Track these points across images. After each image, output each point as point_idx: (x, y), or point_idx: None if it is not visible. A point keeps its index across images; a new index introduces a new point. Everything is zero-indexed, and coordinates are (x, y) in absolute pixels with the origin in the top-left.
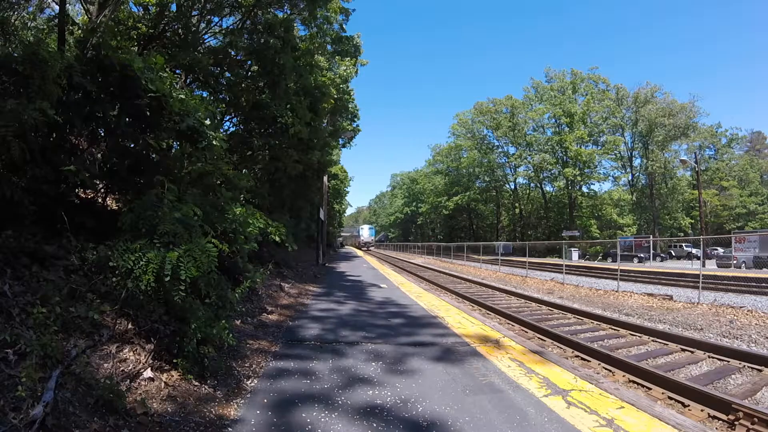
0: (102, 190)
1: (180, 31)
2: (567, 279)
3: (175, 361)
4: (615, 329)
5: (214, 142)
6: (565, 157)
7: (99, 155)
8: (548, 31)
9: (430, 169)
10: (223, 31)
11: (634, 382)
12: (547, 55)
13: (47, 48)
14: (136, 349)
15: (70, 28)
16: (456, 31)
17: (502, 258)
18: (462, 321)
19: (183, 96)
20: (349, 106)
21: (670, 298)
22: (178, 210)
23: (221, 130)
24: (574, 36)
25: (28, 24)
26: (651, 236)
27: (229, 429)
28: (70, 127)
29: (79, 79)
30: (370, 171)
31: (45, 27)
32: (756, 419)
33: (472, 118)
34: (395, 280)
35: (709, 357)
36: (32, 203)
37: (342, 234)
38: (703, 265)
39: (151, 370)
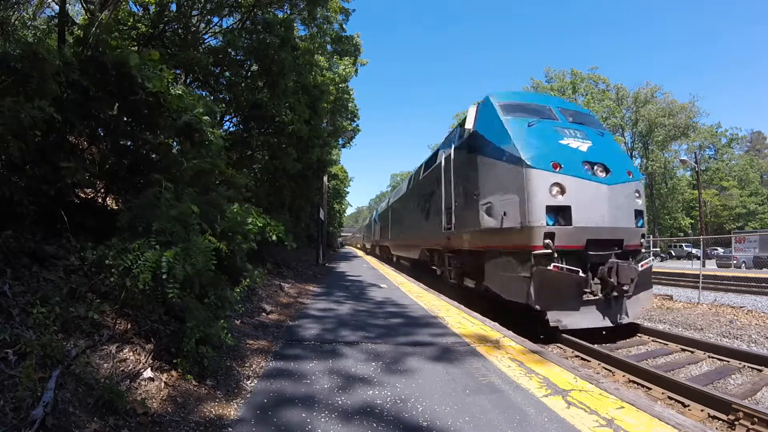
0: (101, 190)
1: (180, 31)
2: None
3: (174, 361)
4: None
5: (211, 138)
6: None
7: (98, 155)
8: (548, 31)
9: None
10: (223, 31)
11: (634, 382)
12: (547, 54)
13: (46, 47)
14: (135, 349)
15: (70, 27)
16: (456, 31)
17: None
18: (462, 321)
19: (180, 92)
20: (349, 105)
21: (670, 297)
22: (175, 208)
23: (221, 130)
24: (575, 35)
25: (28, 23)
26: (651, 236)
27: (229, 429)
28: (69, 126)
29: (78, 77)
30: (370, 171)
31: (45, 27)
32: (756, 419)
33: None
34: (395, 280)
35: (709, 357)
36: (32, 203)
37: (342, 234)
38: (703, 265)
39: (151, 370)
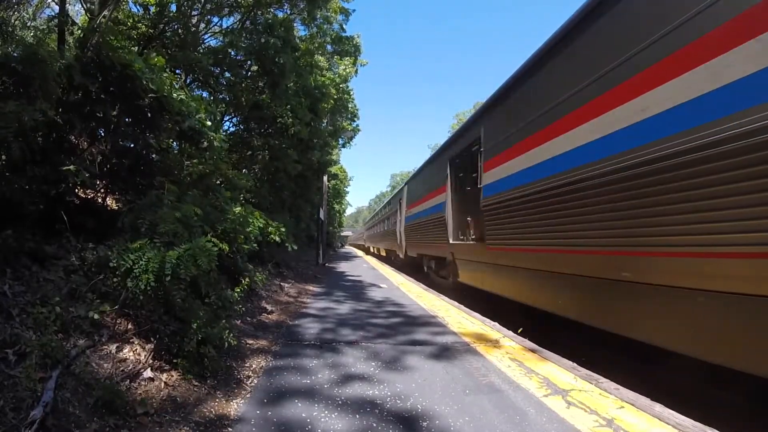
0: (102, 190)
1: (180, 31)
2: None
3: (175, 361)
4: None
5: (214, 143)
6: None
7: (99, 155)
8: (550, 29)
9: None
10: (223, 32)
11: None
12: None
13: (47, 48)
14: (135, 349)
15: (70, 28)
16: (458, 30)
17: None
18: (461, 320)
19: (183, 96)
20: (349, 106)
21: None
22: (178, 210)
23: (221, 131)
24: None
25: (28, 24)
26: None
27: (230, 429)
28: (70, 127)
29: (79, 79)
30: (370, 171)
31: (45, 27)
32: None
33: None
34: (395, 280)
35: None
36: (32, 203)
37: (344, 233)
38: None
39: (151, 370)
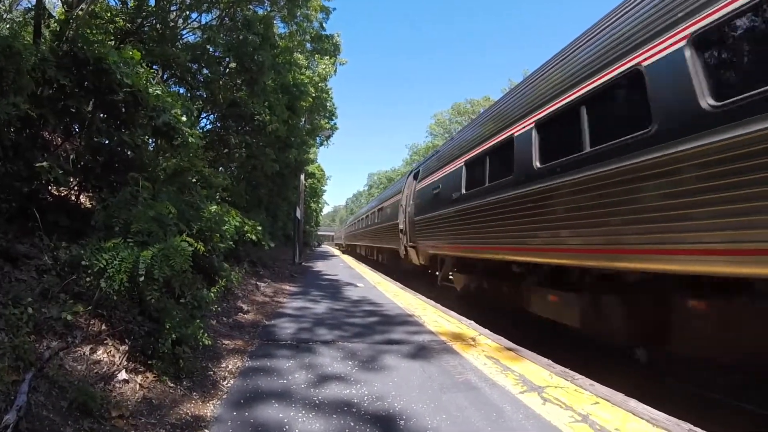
0: (76, 188)
1: (158, 26)
2: None
3: (150, 362)
4: None
5: (190, 139)
6: None
7: (73, 152)
8: (529, 31)
9: (407, 169)
10: (202, 27)
11: None
12: (529, 55)
13: (22, 41)
14: (110, 351)
15: (47, 21)
16: (436, 30)
17: None
18: (438, 319)
19: (159, 91)
20: (327, 104)
21: None
22: (152, 208)
23: (198, 128)
24: (561, 34)
25: (5, 16)
26: None
27: (206, 430)
28: (43, 122)
29: (54, 72)
30: (348, 170)
31: (21, 19)
32: None
33: (450, 118)
34: (372, 279)
35: None
36: (4, 201)
37: (319, 233)
38: None
39: (126, 371)
